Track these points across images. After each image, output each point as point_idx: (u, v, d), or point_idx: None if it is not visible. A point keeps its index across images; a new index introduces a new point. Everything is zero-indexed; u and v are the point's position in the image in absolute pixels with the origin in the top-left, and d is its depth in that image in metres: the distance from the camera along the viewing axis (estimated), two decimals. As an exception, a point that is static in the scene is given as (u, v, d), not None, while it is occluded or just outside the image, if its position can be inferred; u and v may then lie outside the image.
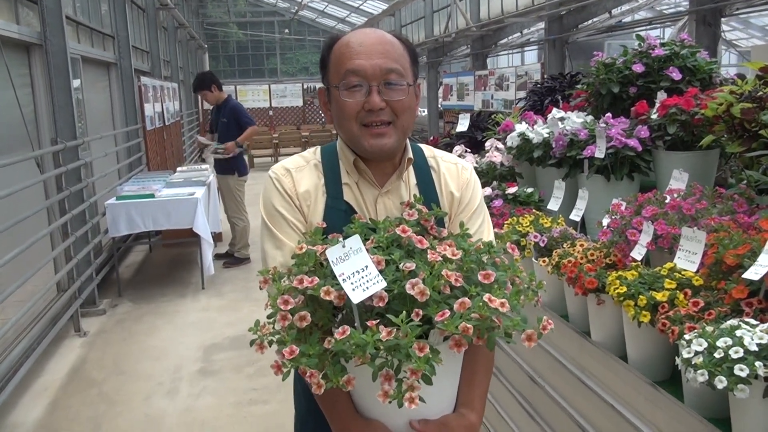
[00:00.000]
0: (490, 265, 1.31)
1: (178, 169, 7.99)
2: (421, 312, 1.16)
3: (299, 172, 1.54)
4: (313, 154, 1.59)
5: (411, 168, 1.57)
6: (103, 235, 6.22)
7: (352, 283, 1.19)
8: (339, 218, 1.46)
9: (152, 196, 5.99)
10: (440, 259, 1.24)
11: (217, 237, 7.50)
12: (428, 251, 1.26)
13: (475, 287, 1.20)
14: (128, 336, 5.10)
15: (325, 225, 1.43)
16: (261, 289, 1.35)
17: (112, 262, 6.30)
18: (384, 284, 1.20)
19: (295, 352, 1.19)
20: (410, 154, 1.55)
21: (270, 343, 1.24)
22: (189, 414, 3.80)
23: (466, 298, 1.16)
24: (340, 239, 1.29)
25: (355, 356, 1.13)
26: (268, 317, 1.26)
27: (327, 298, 1.20)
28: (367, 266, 1.21)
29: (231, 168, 6.86)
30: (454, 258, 1.25)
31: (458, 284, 1.21)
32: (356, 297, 1.18)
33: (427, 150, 1.64)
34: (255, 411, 3.72)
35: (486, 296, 1.15)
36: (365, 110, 1.43)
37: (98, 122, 7.15)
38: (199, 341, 4.92)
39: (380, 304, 1.20)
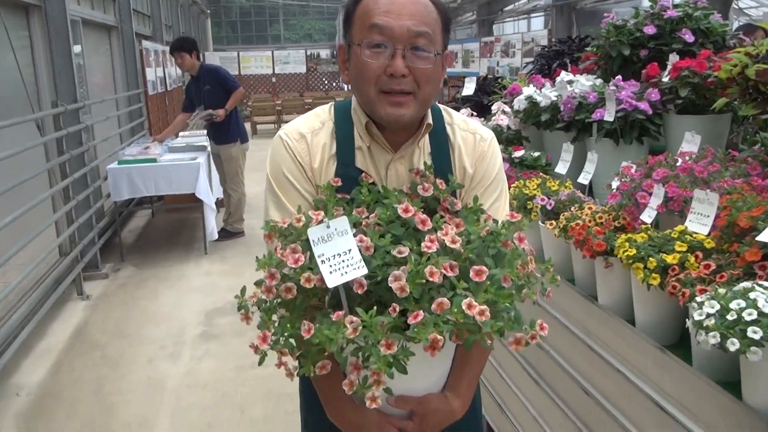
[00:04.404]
0: (495, 249, 1.22)
1: (180, 134, 7.94)
2: (397, 307, 1.10)
3: (315, 135, 1.43)
4: (328, 113, 1.48)
5: (427, 134, 1.47)
6: (105, 199, 6.20)
7: (330, 266, 1.14)
8: (349, 186, 1.38)
9: (154, 160, 5.95)
10: (435, 248, 1.16)
11: (220, 203, 7.47)
12: (425, 238, 1.18)
13: (465, 281, 1.13)
14: (131, 300, 5.10)
15: (339, 182, 1.37)
16: (267, 243, 1.30)
17: (115, 226, 6.28)
18: (365, 271, 1.14)
19: (268, 338, 1.15)
20: (429, 120, 1.43)
21: (261, 309, 1.20)
22: (191, 377, 3.81)
23: (445, 300, 1.08)
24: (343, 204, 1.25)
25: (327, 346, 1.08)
26: (256, 284, 1.22)
27: (307, 285, 1.15)
28: (350, 250, 1.15)
29: (233, 136, 6.61)
30: (453, 246, 1.18)
31: (452, 274, 1.14)
32: (332, 281, 1.13)
33: (447, 115, 1.51)
34: (257, 374, 3.72)
35: (465, 302, 1.07)
36: (386, 75, 1.31)
37: (99, 86, 7.08)
38: (201, 306, 4.92)
39: (359, 291, 1.14)
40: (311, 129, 1.44)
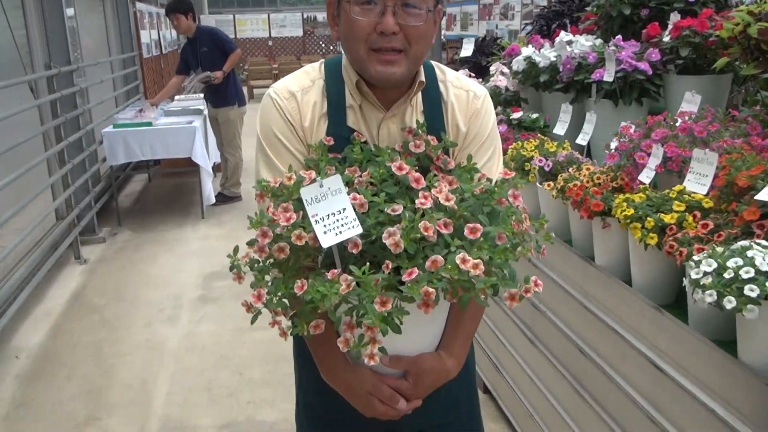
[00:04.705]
0: (490, 208, 1.20)
1: (176, 98, 7.87)
2: (390, 264, 1.09)
3: (305, 94, 1.39)
4: (318, 71, 1.43)
5: (420, 92, 1.42)
6: (101, 163, 6.17)
7: (324, 226, 1.12)
8: (341, 145, 1.35)
9: (150, 124, 5.91)
10: (429, 204, 1.14)
11: (217, 168, 7.44)
12: (419, 194, 1.16)
13: (459, 239, 1.11)
14: (128, 264, 5.10)
15: (332, 141, 1.34)
16: (258, 203, 1.29)
17: (111, 190, 6.26)
18: (359, 230, 1.12)
19: (263, 296, 1.14)
20: (422, 77, 1.39)
21: (253, 269, 1.19)
22: (190, 339, 3.83)
23: (439, 257, 1.07)
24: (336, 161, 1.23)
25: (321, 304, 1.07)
26: (248, 244, 1.20)
27: (298, 243, 1.13)
28: (344, 209, 1.13)
29: (231, 99, 6.54)
30: (447, 203, 1.15)
31: (446, 231, 1.12)
32: (326, 241, 1.11)
33: (440, 71, 1.47)
34: (255, 337, 3.75)
35: (459, 256, 1.06)
36: (376, 33, 1.26)
37: (93, 49, 6.99)
38: (199, 269, 4.92)
39: (354, 250, 1.13)
40: (301, 87, 1.40)
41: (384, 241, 1.10)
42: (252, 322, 1.18)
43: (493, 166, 1.45)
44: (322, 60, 1.46)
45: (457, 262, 1.05)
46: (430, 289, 1.04)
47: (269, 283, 1.17)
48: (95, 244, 5.54)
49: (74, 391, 3.31)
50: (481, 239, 1.11)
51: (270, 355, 3.56)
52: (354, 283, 1.06)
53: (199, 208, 6.29)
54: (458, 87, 1.45)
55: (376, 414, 1.29)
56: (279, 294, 1.14)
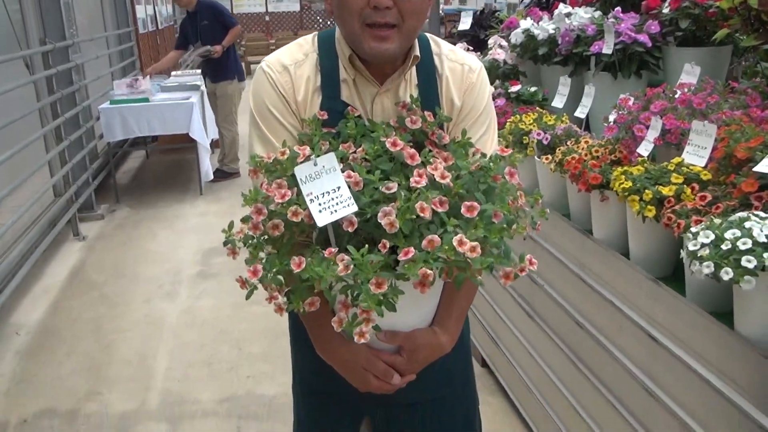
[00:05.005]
0: (485, 185, 1.19)
1: (173, 73, 7.81)
2: (388, 244, 1.08)
3: (299, 67, 1.37)
4: (312, 44, 1.42)
5: (414, 65, 1.40)
6: (98, 140, 6.14)
7: (319, 204, 1.11)
8: (335, 119, 1.34)
9: (146, 100, 5.88)
10: (424, 183, 1.13)
11: (215, 144, 7.41)
12: (414, 172, 1.15)
13: (455, 218, 1.10)
14: (127, 240, 5.11)
15: (326, 116, 1.32)
16: (252, 179, 1.28)
17: (109, 167, 6.24)
18: (354, 208, 1.11)
19: (259, 272, 1.14)
20: (417, 51, 1.36)
21: (248, 246, 1.18)
22: (189, 314, 3.85)
23: (436, 237, 1.06)
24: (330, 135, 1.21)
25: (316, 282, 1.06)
26: (243, 220, 1.19)
27: (294, 219, 1.13)
28: (339, 187, 1.12)
29: (231, 73, 6.49)
30: (442, 181, 1.14)
31: (441, 209, 1.11)
32: (322, 220, 1.11)
33: (435, 45, 1.45)
34: (254, 311, 3.76)
35: (456, 238, 1.05)
36: (370, 7, 1.24)
37: (88, 25, 6.92)
38: (197, 245, 4.93)
39: (349, 229, 1.12)
40: (294, 60, 1.38)
41: (380, 221, 1.09)
42: (247, 298, 1.18)
43: (488, 140, 1.43)
44: (315, 33, 1.43)
45: (454, 244, 1.05)
46: (428, 271, 1.04)
47: (263, 260, 1.16)
48: (94, 221, 5.53)
49: (74, 366, 3.33)
50: (477, 218, 1.11)
51: (269, 329, 3.58)
52: (351, 265, 1.05)
53: (198, 184, 6.28)
54: (453, 60, 1.43)
55: (370, 389, 1.30)
56: (274, 270, 1.14)
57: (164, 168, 7.30)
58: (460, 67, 1.43)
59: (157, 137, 7.01)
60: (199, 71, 6.89)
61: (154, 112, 5.81)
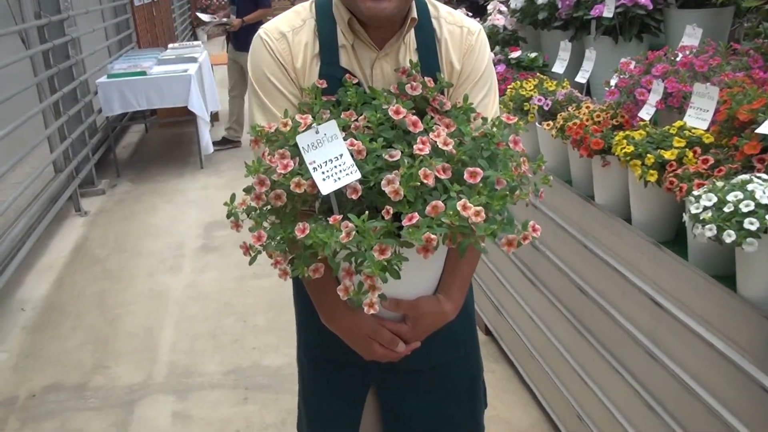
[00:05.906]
0: (489, 152, 1.18)
1: (170, 46, 7.75)
2: (391, 210, 1.08)
3: (296, 34, 1.35)
4: (309, 10, 1.39)
5: (413, 29, 1.38)
6: (97, 114, 6.11)
7: (323, 173, 1.10)
8: (335, 86, 1.33)
9: (144, 73, 5.83)
10: (427, 150, 1.12)
11: (214, 117, 7.37)
12: (417, 140, 1.14)
13: (458, 185, 1.09)
14: (129, 215, 5.11)
15: (325, 84, 1.31)
16: (254, 149, 1.27)
17: (109, 142, 6.22)
18: (358, 176, 1.11)
19: (263, 237, 1.13)
20: (414, 14, 1.34)
21: (251, 217, 1.18)
22: (193, 288, 3.86)
23: (440, 202, 1.06)
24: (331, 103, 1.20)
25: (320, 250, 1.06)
26: (245, 191, 1.19)
27: (297, 190, 1.12)
28: (341, 155, 1.11)
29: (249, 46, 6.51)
30: (445, 148, 1.14)
31: (445, 176, 1.10)
32: (326, 188, 1.10)
33: (432, 8, 1.42)
34: (258, 284, 3.77)
35: (460, 203, 1.04)
36: None
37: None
38: (199, 219, 4.93)
39: (353, 196, 1.12)
40: (292, 27, 1.36)
41: (383, 188, 1.09)
42: (250, 263, 1.18)
43: (489, 103, 1.42)
44: (312, 0, 1.41)
45: (458, 208, 1.04)
46: (432, 236, 1.03)
47: (267, 229, 1.16)
48: (95, 196, 5.53)
49: (80, 340, 3.35)
50: (480, 184, 1.10)
51: (274, 302, 3.59)
52: (354, 231, 1.05)
53: (198, 157, 6.26)
54: (451, 23, 1.41)
55: (375, 357, 1.31)
56: (278, 238, 1.14)
57: (164, 142, 7.28)
58: (458, 29, 1.41)
59: (156, 111, 6.97)
60: (198, 43, 6.86)
61: (152, 85, 5.77)
